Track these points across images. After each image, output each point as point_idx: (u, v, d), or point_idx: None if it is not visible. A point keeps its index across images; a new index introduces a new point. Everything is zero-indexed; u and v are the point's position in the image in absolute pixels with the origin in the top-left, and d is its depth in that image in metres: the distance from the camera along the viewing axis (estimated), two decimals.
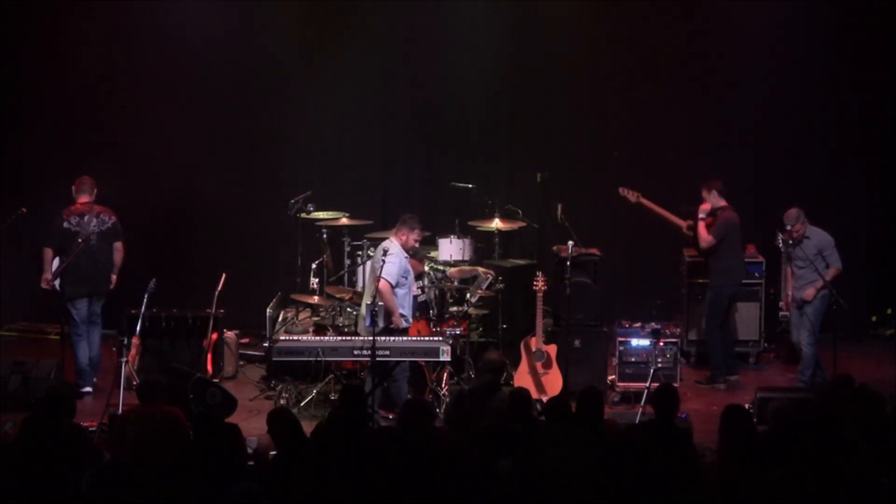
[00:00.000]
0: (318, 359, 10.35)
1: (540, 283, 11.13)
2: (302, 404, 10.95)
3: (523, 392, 8.53)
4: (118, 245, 11.69)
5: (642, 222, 13.70)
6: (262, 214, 13.76)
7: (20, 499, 7.05)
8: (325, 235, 12.26)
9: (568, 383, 10.88)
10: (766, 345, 12.94)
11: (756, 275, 12.70)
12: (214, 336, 11.81)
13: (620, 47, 13.69)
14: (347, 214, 12.50)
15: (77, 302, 11.44)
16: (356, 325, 11.13)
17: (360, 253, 12.29)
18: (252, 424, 10.35)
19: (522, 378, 11.08)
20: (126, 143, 13.69)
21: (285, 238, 12.95)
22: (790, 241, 11.43)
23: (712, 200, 11.87)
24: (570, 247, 11.29)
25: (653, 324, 11.71)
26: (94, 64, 13.72)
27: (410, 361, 10.56)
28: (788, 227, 11.38)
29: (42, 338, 12.33)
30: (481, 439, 7.64)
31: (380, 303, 10.50)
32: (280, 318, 12.29)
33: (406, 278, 10.65)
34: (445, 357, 10.38)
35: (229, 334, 12.35)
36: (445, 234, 12.25)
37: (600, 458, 7.28)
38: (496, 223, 12.41)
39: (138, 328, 11.29)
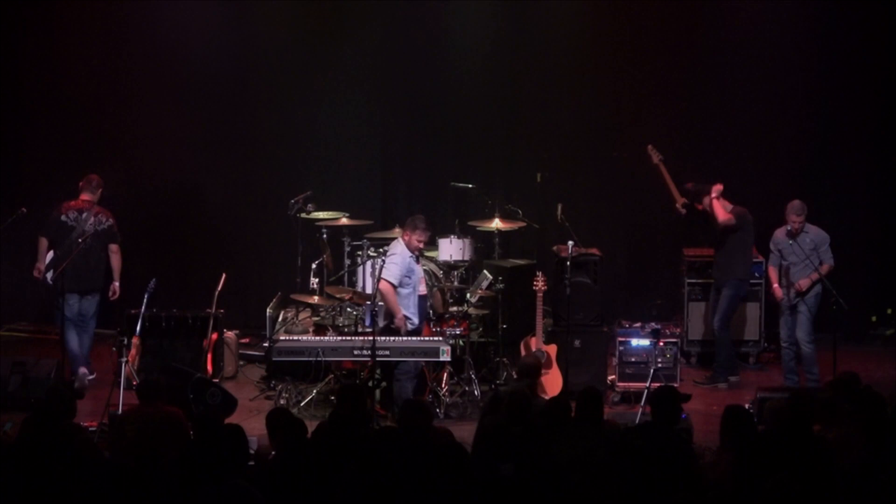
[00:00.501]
0: (318, 359, 10.38)
1: (540, 283, 11.14)
2: (302, 404, 10.95)
3: (524, 392, 8.53)
4: (114, 248, 11.69)
5: (642, 222, 13.74)
6: (262, 214, 13.76)
7: (20, 499, 7.04)
8: (325, 235, 12.26)
9: (568, 383, 10.88)
10: (766, 345, 12.93)
11: (756, 275, 12.69)
12: (214, 336, 11.81)
13: (621, 47, 13.69)
14: (347, 214, 12.50)
15: (68, 297, 11.45)
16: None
17: (360, 253, 12.28)
18: (252, 424, 10.33)
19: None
20: (126, 144, 13.69)
21: (285, 238, 12.95)
22: (788, 236, 11.41)
23: (720, 203, 11.84)
24: (570, 247, 11.29)
25: (653, 324, 11.71)
26: (94, 64, 13.72)
27: (416, 363, 10.57)
28: (794, 216, 11.32)
29: (42, 338, 12.32)
30: (482, 440, 7.65)
31: (380, 303, 10.50)
32: (280, 318, 12.29)
33: (410, 278, 10.64)
34: (445, 357, 10.40)
35: (229, 334, 12.35)
36: (445, 234, 12.24)
37: (600, 459, 7.28)
38: (496, 223, 12.41)
39: (138, 328, 11.29)
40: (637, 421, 9.82)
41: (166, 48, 13.61)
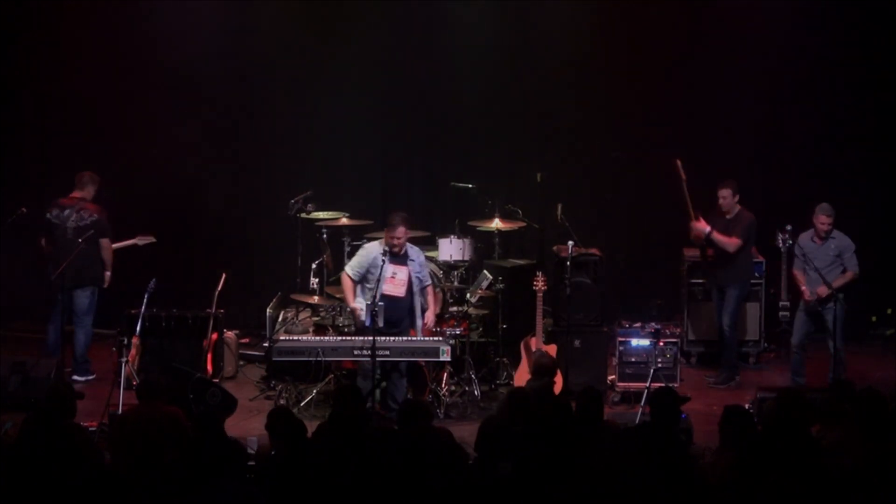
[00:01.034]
0: (318, 359, 10.38)
1: (540, 283, 11.14)
2: (302, 404, 10.95)
3: (523, 392, 8.53)
4: (103, 242, 11.75)
5: (642, 222, 13.74)
6: (262, 214, 13.76)
7: (20, 499, 7.05)
8: (325, 235, 12.25)
9: (568, 383, 10.88)
10: (766, 345, 12.93)
11: (756, 275, 12.70)
12: (214, 336, 11.80)
13: (621, 47, 13.69)
14: (347, 214, 12.50)
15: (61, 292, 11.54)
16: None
17: None
18: (252, 424, 10.38)
19: (522, 378, 11.06)
20: (126, 144, 13.68)
21: (285, 238, 12.95)
22: (815, 239, 11.33)
23: (728, 201, 11.82)
24: (570, 247, 11.29)
25: (653, 324, 11.70)
26: (94, 64, 13.71)
27: (409, 362, 10.57)
28: (824, 217, 11.27)
29: (42, 338, 12.30)
30: (482, 440, 7.65)
31: (380, 303, 10.52)
32: (280, 318, 12.29)
33: (373, 273, 10.63)
34: (445, 357, 10.41)
35: (229, 334, 12.34)
36: (445, 234, 12.25)
37: (600, 459, 7.28)
38: (496, 223, 12.41)
39: (138, 328, 11.29)
40: (637, 421, 9.83)
41: (167, 48, 13.60)
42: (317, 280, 11.99)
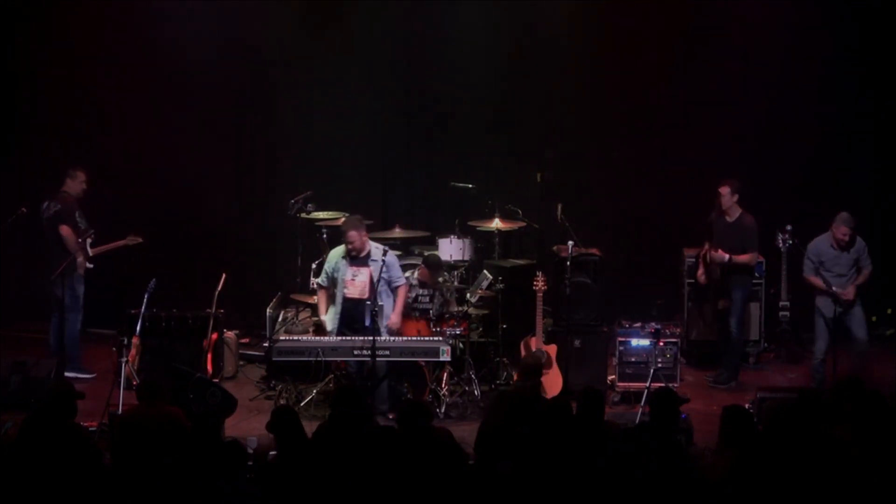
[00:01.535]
0: (318, 359, 10.38)
1: (540, 283, 11.13)
2: (302, 404, 10.95)
3: (524, 393, 8.53)
4: (62, 229, 11.78)
5: (642, 222, 13.74)
6: (262, 214, 13.76)
7: (20, 499, 7.05)
8: (325, 235, 12.25)
9: (568, 383, 10.88)
10: (766, 345, 12.93)
11: (756, 275, 12.69)
12: (214, 336, 11.80)
13: (621, 46, 13.68)
14: (347, 214, 12.49)
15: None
16: None
17: None
18: (252, 424, 10.38)
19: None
20: (126, 144, 13.69)
21: (285, 238, 12.95)
22: (836, 248, 11.28)
23: (727, 199, 11.79)
24: (570, 247, 11.29)
25: (653, 324, 11.70)
26: (95, 66, 13.71)
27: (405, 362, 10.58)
28: (845, 229, 11.15)
29: (42, 338, 12.31)
30: (482, 439, 7.66)
31: (380, 303, 10.51)
32: (280, 318, 12.29)
33: (338, 277, 10.65)
34: (445, 357, 10.41)
35: (229, 334, 12.34)
36: (445, 234, 12.25)
37: (600, 459, 7.28)
38: (496, 223, 12.41)
39: (138, 328, 11.29)
40: (637, 421, 9.83)
41: (167, 48, 13.59)
42: (317, 280, 11.99)
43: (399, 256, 12.13)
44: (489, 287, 11.74)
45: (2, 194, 13.11)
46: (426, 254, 11.96)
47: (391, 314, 10.69)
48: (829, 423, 7.78)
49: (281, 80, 13.88)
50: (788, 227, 12.54)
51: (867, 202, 13.57)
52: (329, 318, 10.70)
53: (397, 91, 13.97)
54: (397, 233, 12.40)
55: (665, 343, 11.40)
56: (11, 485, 7.12)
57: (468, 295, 11.69)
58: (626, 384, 11.42)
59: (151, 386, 8.46)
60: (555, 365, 11.13)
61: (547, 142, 13.78)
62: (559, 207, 12.14)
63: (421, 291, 11.59)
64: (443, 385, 11.18)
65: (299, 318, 12.25)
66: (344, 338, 10.66)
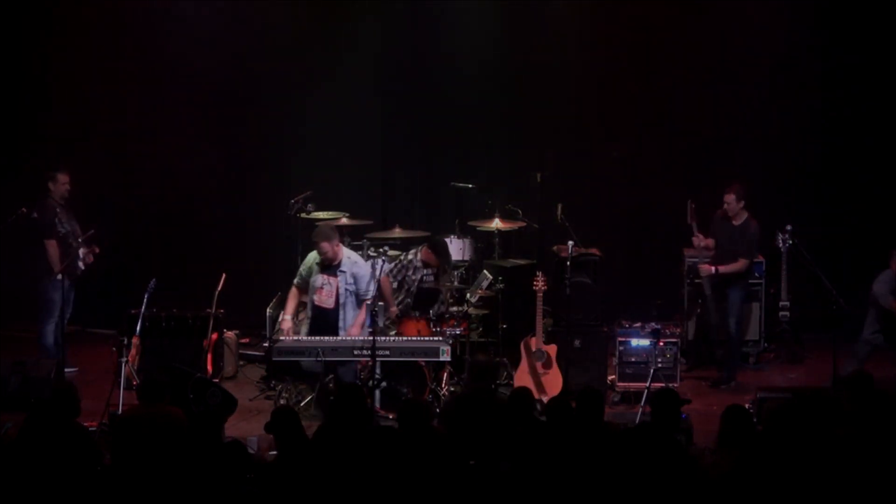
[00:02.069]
0: (318, 359, 10.37)
1: (540, 283, 11.13)
2: (302, 404, 10.94)
3: (525, 392, 8.53)
4: (46, 242, 11.83)
5: (642, 222, 13.74)
6: (262, 214, 13.76)
7: (21, 498, 7.05)
8: None
9: (568, 383, 10.88)
10: (766, 345, 12.92)
11: (756, 275, 12.69)
12: (214, 336, 11.80)
13: (621, 46, 13.69)
14: (347, 214, 12.50)
15: None
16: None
17: (360, 253, 12.27)
18: (252, 424, 10.38)
19: (522, 378, 11.08)
20: (126, 144, 13.70)
21: (285, 238, 12.94)
22: None
23: (733, 206, 11.78)
24: (570, 247, 11.28)
25: (653, 324, 11.70)
26: (95, 66, 13.74)
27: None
28: None
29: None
30: (482, 440, 7.65)
31: (380, 303, 10.51)
32: (280, 318, 12.28)
33: (306, 280, 10.67)
34: (445, 357, 10.40)
35: (229, 334, 12.34)
36: (445, 234, 12.25)
37: (600, 460, 7.27)
38: (496, 223, 12.41)
39: (138, 328, 11.28)
40: (637, 421, 9.83)
41: (166, 48, 13.62)
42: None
43: (399, 256, 12.15)
44: (489, 287, 11.74)
45: (1, 194, 13.12)
46: (435, 237, 11.93)
47: (350, 327, 10.65)
48: (830, 422, 7.78)
49: (281, 81, 13.88)
50: (788, 227, 12.53)
51: (867, 202, 13.59)
52: (288, 321, 10.68)
53: (397, 91, 13.96)
54: (397, 233, 12.40)
55: (665, 343, 11.39)
56: (12, 485, 7.12)
57: (468, 295, 11.68)
58: (626, 384, 11.42)
59: (151, 386, 8.46)
60: (555, 365, 11.12)
61: (547, 142, 13.78)
62: (559, 207, 12.14)
63: (425, 272, 11.60)
64: (443, 385, 11.17)
65: (299, 318, 12.24)
66: (344, 338, 10.66)
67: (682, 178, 13.39)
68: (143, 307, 11.18)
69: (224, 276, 11.69)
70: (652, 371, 10.79)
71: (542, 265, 12.00)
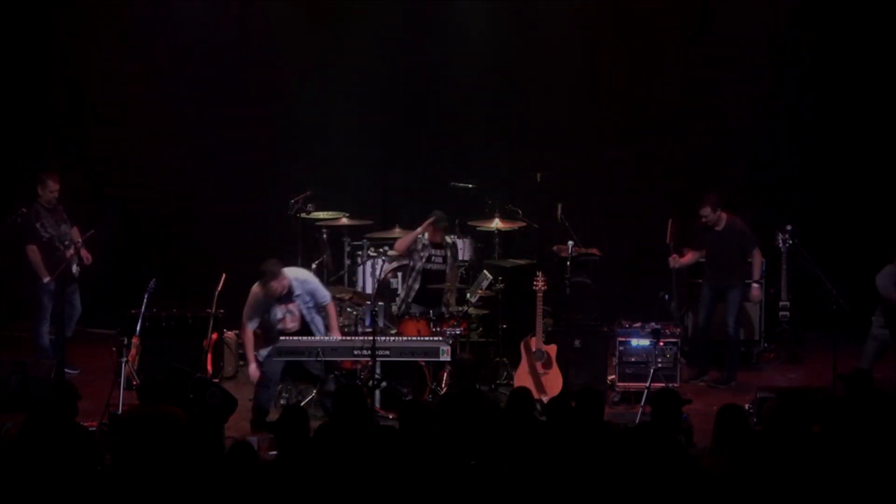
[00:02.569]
0: (319, 359, 10.37)
1: (540, 283, 11.13)
2: (302, 404, 10.93)
3: (524, 392, 8.52)
4: (26, 248, 11.81)
5: (642, 222, 13.74)
6: (262, 214, 13.76)
7: (21, 498, 7.05)
8: (325, 235, 12.26)
9: (568, 383, 10.88)
10: (766, 345, 12.93)
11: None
12: (214, 336, 11.80)
13: (621, 46, 13.70)
14: (347, 214, 12.51)
15: None
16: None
17: (360, 253, 12.30)
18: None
19: (522, 378, 11.08)
20: (125, 143, 13.70)
21: (285, 238, 12.95)
22: None
23: (711, 218, 11.79)
24: (570, 247, 11.29)
25: (653, 324, 11.70)
26: (96, 65, 13.74)
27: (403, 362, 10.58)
28: None
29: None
30: (481, 439, 7.64)
31: (380, 303, 10.50)
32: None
33: (269, 314, 10.61)
34: (445, 357, 10.41)
35: (229, 334, 12.33)
36: (446, 234, 12.23)
37: (599, 460, 7.27)
38: (496, 223, 12.41)
39: (138, 328, 11.28)
40: (637, 421, 9.83)
41: (166, 47, 13.62)
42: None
43: (399, 256, 12.14)
44: (489, 287, 11.74)
45: (2, 194, 13.13)
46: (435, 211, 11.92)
47: (328, 332, 10.66)
48: (828, 421, 7.78)
49: (281, 81, 13.89)
50: (788, 227, 12.53)
51: (868, 202, 13.60)
52: (261, 356, 10.63)
53: (397, 91, 13.97)
54: (397, 233, 12.40)
55: (665, 343, 11.39)
56: (12, 485, 7.12)
57: (468, 295, 11.68)
58: (626, 384, 11.42)
59: (151, 386, 8.46)
60: (555, 365, 11.13)
61: (547, 142, 13.78)
62: (559, 207, 12.13)
63: (434, 252, 11.60)
64: (443, 385, 11.17)
65: None
66: (344, 338, 10.66)
67: (683, 178, 13.38)
68: (143, 307, 11.18)
69: (224, 276, 11.69)
70: (652, 371, 10.79)
71: (542, 265, 12.01)
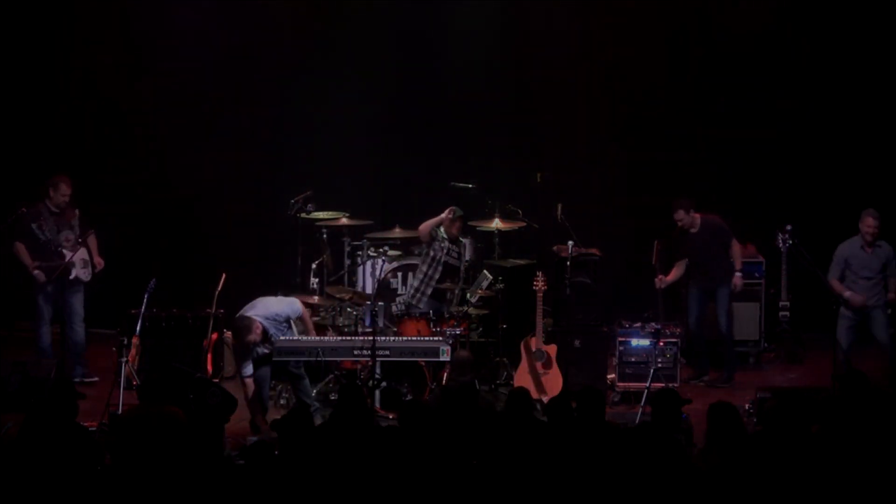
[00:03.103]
0: (318, 359, 10.38)
1: (540, 283, 11.13)
2: None
3: (523, 392, 8.53)
4: (14, 244, 11.79)
5: (642, 222, 13.73)
6: (262, 214, 13.76)
7: (21, 498, 7.05)
8: (325, 235, 12.26)
9: (568, 383, 10.88)
10: (766, 345, 12.93)
11: (756, 275, 12.70)
12: (214, 336, 11.80)
13: (621, 46, 13.70)
14: (347, 214, 12.51)
15: None
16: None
17: (360, 253, 12.30)
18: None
19: (522, 378, 11.08)
20: (125, 143, 13.70)
21: (285, 238, 12.95)
22: (864, 247, 11.24)
23: (686, 221, 11.80)
24: (570, 247, 11.29)
25: (653, 324, 11.70)
26: (96, 64, 13.75)
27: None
28: (871, 220, 11.15)
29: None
30: (480, 439, 7.65)
31: (380, 303, 10.51)
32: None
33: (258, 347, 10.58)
34: (445, 357, 10.42)
35: (229, 334, 12.32)
36: None
37: (600, 460, 7.28)
38: (496, 223, 12.41)
39: (138, 328, 11.29)
40: (637, 421, 9.83)
41: (166, 47, 13.61)
42: (317, 280, 11.99)
43: (399, 256, 12.16)
44: (489, 287, 11.74)
45: (1, 194, 13.14)
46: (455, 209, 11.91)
47: (305, 336, 10.70)
48: (828, 422, 7.78)
49: (281, 81, 13.88)
50: (788, 227, 12.52)
51: (868, 202, 13.58)
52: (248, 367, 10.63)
53: (397, 91, 13.96)
54: (397, 233, 12.40)
55: (665, 343, 11.40)
56: (12, 485, 7.12)
57: (468, 295, 11.69)
58: (626, 384, 11.43)
59: (151, 386, 8.46)
60: (555, 365, 11.13)
61: (547, 142, 13.78)
62: (559, 207, 12.13)
63: (451, 246, 11.62)
64: (443, 385, 11.17)
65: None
66: (344, 338, 10.66)
67: (683, 178, 13.37)
68: (143, 307, 11.18)
69: (224, 276, 11.69)
70: (652, 371, 10.79)
71: (542, 265, 12.01)
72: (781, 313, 12.76)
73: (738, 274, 11.93)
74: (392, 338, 10.62)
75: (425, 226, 11.59)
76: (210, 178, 13.79)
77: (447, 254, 11.63)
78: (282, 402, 11.01)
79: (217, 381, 11.27)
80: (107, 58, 13.74)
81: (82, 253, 11.81)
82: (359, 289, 12.17)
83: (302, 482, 7.03)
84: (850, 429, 7.52)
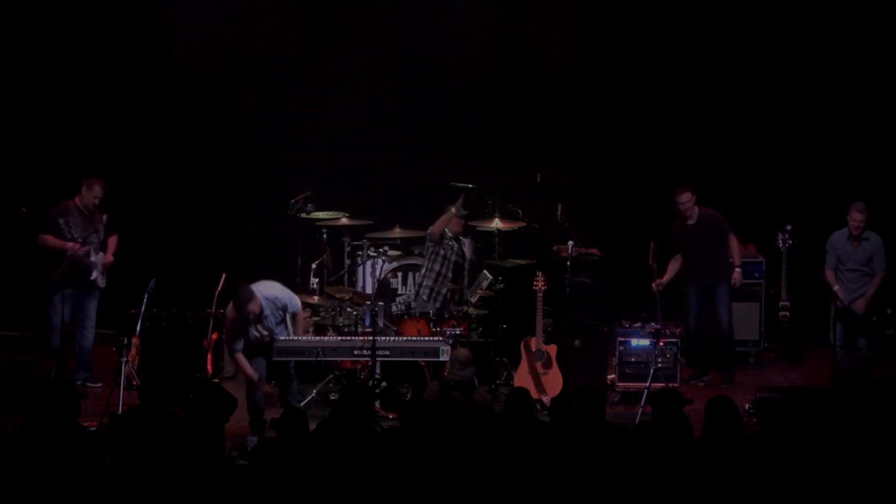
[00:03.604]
0: (318, 359, 10.38)
1: (540, 283, 11.14)
2: (302, 404, 10.94)
3: (523, 392, 8.53)
4: (39, 237, 11.79)
5: (642, 222, 13.74)
6: (262, 214, 13.77)
7: (21, 498, 7.05)
8: (325, 235, 12.26)
9: (568, 383, 10.88)
10: (765, 345, 12.93)
11: (756, 275, 12.70)
12: (214, 336, 11.80)
13: (622, 44, 13.71)
14: (347, 214, 12.51)
15: None
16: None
17: (360, 253, 12.30)
18: None
19: (522, 378, 11.08)
20: (125, 143, 13.70)
21: (285, 238, 12.95)
22: (850, 239, 11.26)
23: (690, 205, 11.79)
24: (570, 247, 11.30)
25: (653, 324, 11.70)
26: (94, 63, 13.74)
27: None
28: (858, 215, 11.18)
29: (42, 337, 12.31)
30: (478, 440, 7.65)
31: (380, 303, 10.51)
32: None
33: (251, 335, 10.47)
34: (445, 357, 10.41)
35: None
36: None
37: (600, 460, 7.28)
38: (496, 223, 12.41)
39: (138, 328, 11.30)
40: (637, 421, 9.84)
41: (166, 47, 13.62)
42: (317, 280, 11.99)
43: (399, 256, 12.16)
44: (489, 287, 11.74)
45: (2, 194, 13.14)
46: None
47: (294, 335, 10.63)
48: (828, 421, 7.78)
49: (281, 81, 13.88)
50: (788, 227, 12.53)
51: (868, 202, 13.58)
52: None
53: (397, 91, 13.96)
54: (397, 233, 12.40)
55: (665, 343, 11.40)
56: (12, 485, 7.12)
57: (468, 295, 11.69)
58: (626, 384, 11.43)
59: (151, 386, 8.46)
60: (555, 365, 11.13)
61: (547, 142, 13.78)
62: (559, 207, 12.14)
63: (455, 244, 11.63)
64: None
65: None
66: (344, 338, 10.66)
67: (683, 178, 13.36)
68: (143, 307, 11.20)
69: (224, 275, 11.69)
70: (652, 371, 10.79)
71: (542, 265, 12.01)
72: (781, 313, 12.77)
73: (737, 269, 11.91)
74: (392, 338, 10.62)
75: (437, 226, 11.56)
76: (210, 178, 13.79)
77: (455, 252, 11.65)
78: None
79: (217, 381, 11.27)
80: (105, 56, 13.74)
81: (103, 258, 11.81)
82: (359, 289, 12.17)
83: (302, 482, 7.03)
84: (849, 429, 7.52)
